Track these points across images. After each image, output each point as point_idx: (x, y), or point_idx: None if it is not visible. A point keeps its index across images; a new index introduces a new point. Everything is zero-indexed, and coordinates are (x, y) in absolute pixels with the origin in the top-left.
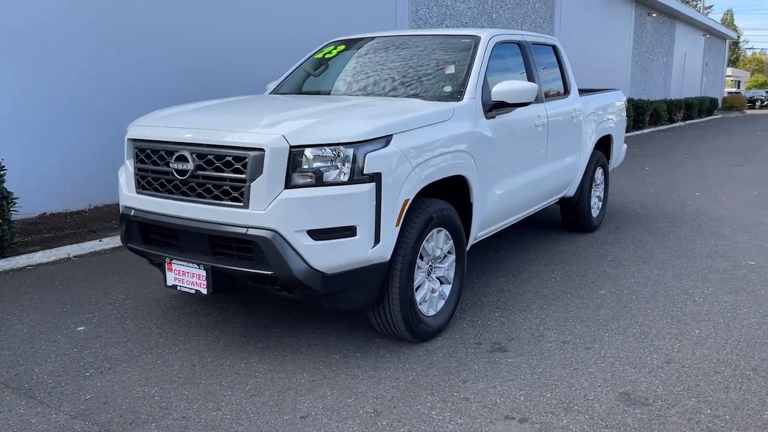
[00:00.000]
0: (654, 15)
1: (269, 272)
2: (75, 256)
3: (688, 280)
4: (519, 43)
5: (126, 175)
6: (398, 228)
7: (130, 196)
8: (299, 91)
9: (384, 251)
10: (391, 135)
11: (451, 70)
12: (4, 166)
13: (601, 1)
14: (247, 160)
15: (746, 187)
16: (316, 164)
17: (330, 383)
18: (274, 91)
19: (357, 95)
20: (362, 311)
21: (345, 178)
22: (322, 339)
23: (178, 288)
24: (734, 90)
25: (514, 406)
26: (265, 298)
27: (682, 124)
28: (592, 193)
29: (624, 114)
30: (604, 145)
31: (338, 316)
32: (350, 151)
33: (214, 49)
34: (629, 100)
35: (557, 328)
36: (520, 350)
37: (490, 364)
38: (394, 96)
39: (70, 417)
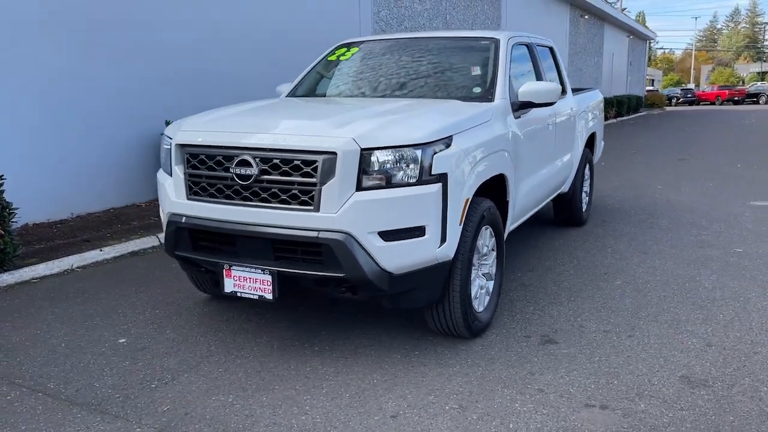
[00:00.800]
0: (586, 17)
1: (341, 275)
2: (78, 267)
3: (690, 268)
4: (527, 45)
5: (172, 181)
6: (461, 227)
7: (180, 203)
8: (323, 94)
9: (449, 250)
10: (452, 136)
11: (477, 71)
12: (2, 175)
13: (540, 4)
14: (317, 163)
15: (700, 180)
16: (386, 166)
17: (404, 382)
18: (291, 94)
19: (395, 97)
20: (405, 311)
21: (413, 179)
22: (374, 340)
23: (238, 294)
24: (652, 88)
25: (589, 394)
26: (300, 301)
27: (614, 121)
28: (582, 188)
29: (602, 112)
30: (589, 141)
31: (383, 316)
32: (418, 153)
33: (174, 49)
34: None
35: (593, 318)
36: (568, 341)
37: (547, 355)
38: (430, 98)
39: (156, 430)
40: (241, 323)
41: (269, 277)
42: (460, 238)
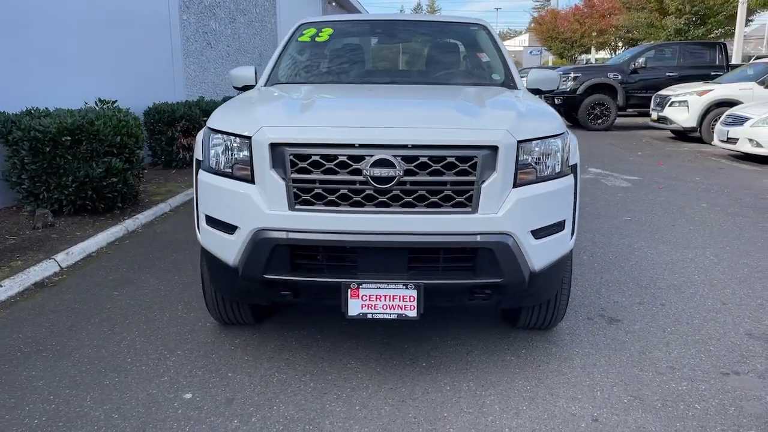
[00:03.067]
0: (333, 4)
1: (498, 280)
2: (34, 284)
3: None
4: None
5: (259, 189)
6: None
7: (278, 215)
8: (321, 81)
9: (573, 241)
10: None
11: (485, 57)
12: None
13: None
14: (476, 159)
15: None
16: (535, 159)
17: (520, 389)
18: (273, 80)
19: (428, 84)
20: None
21: (555, 171)
22: (453, 350)
23: (369, 317)
24: None
25: (712, 363)
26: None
27: None
28: None
29: None
30: None
31: (430, 324)
32: (559, 143)
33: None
34: None
35: (641, 294)
36: (633, 318)
37: (630, 334)
38: (463, 84)
39: None
40: (283, 341)
41: (414, 292)
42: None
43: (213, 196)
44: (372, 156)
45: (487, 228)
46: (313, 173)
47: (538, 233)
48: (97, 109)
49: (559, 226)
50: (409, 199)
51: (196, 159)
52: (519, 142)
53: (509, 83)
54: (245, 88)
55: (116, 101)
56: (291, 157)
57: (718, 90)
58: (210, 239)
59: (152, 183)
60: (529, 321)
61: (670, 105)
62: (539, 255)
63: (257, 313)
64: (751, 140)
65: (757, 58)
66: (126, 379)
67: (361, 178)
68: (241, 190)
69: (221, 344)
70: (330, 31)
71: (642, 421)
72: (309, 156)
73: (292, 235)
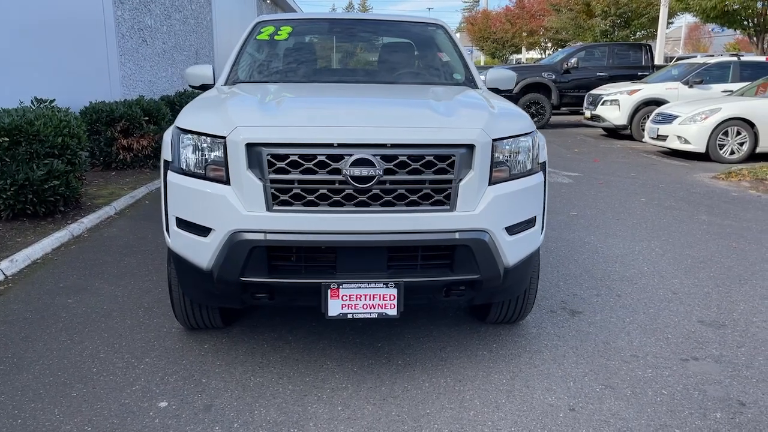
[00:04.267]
0: (268, 1)
1: (475, 276)
2: None
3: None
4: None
5: (234, 190)
6: None
7: (256, 216)
8: (284, 80)
9: (543, 237)
10: None
11: (445, 57)
12: None
13: None
14: (454, 158)
15: None
16: (508, 157)
17: (497, 383)
18: (233, 79)
19: (391, 83)
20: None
21: (527, 169)
22: (426, 347)
23: (349, 316)
24: None
25: (671, 350)
26: (287, 317)
27: None
28: None
29: None
30: None
31: (399, 321)
32: (530, 141)
33: None
34: None
35: (597, 287)
36: (593, 310)
37: (592, 325)
38: (427, 84)
39: None
40: (283, 347)
41: (394, 291)
42: None
43: (184, 198)
44: (351, 155)
45: (465, 225)
46: (291, 173)
47: (512, 229)
48: (34, 108)
49: (530, 222)
50: (388, 198)
51: (164, 160)
52: (493, 140)
53: (470, 83)
54: (203, 87)
55: (54, 100)
56: (268, 157)
57: (646, 89)
58: (180, 242)
59: (92, 185)
60: (498, 315)
61: (602, 104)
62: (513, 251)
63: (226, 316)
64: (679, 137)
65: (678, 59)
66: (94, 389)
67: (340, 177)
68: (215, 191)
69: (190, 350)
70: (289, 29)
71: (616, 409)
72: (287, 156)
73: (270, 236)
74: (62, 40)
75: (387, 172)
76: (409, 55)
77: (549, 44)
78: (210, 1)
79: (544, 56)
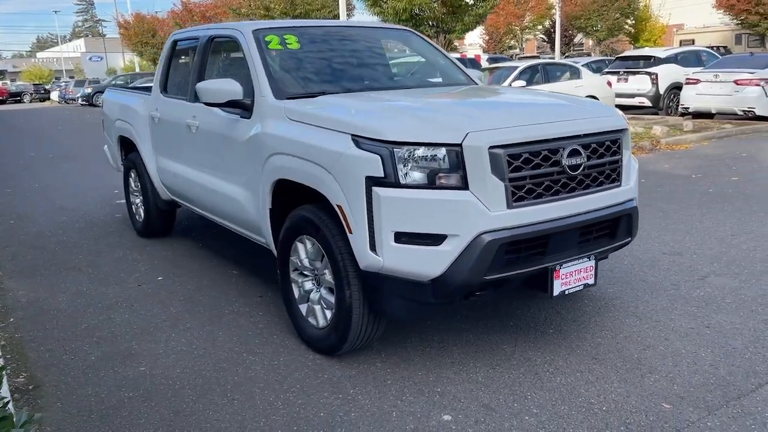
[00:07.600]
0: None
1: (628, 239)
2: None
3: None
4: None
5: (474, 194)
6: None
7: (500, 216)
8: (343, 90)
9: None
10: None
11: (442, 60)
12: None
13: None
14: (620, 140)
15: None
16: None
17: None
18: (280, 95)
19: (408, 88)
20: None
21: None
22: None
23: (566, 293)
24: None
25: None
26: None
27: None
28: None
29: None
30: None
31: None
32: None
33: None
34: None
35: None
36: None
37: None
38: (454, 84)
39: None
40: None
41: (593, 263)
42: None
43: (409, 211)
44: (565, 148)
45: (629, 197)
46: (524, 170)
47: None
48: None
49: None
50: (587, 181)
51: (367, 176)
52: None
53: (471, 82)
54: (231, 104)
55: None
56: (507, 157)
57: None
58: (400, 256)
59: None
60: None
61: None
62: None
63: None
64: None
65: None
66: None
67: (558, 168)
68: (455, 197)
69: (424, 365)
70: (294, 37)
71: None
72: (521, 155)
73: (514, 232)
74: None
75: (588, 158)
76: (399, 59)
77: None
78: None
79: None
